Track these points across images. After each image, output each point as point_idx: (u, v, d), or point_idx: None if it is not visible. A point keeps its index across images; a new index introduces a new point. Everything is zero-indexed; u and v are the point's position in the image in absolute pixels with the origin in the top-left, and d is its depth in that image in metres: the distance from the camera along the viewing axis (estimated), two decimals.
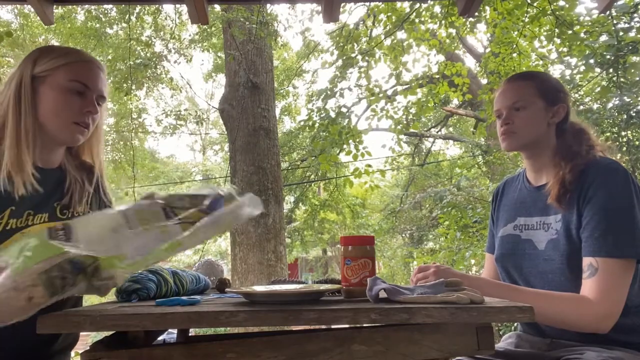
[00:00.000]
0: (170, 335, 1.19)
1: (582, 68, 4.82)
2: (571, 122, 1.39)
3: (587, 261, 1.17)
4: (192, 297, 1.03)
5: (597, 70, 4.93)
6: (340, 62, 5.48)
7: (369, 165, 5.60)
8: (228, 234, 6.62)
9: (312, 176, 10.28)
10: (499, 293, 1.16)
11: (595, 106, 5.69)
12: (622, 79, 4.82)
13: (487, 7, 4.83)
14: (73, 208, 1.25)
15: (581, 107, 5.60)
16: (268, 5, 5.65)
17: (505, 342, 1.46)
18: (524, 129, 1.35)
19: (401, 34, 5.27)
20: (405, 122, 5.72)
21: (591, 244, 1.17)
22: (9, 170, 1.15)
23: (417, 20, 5.13)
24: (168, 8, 8.35)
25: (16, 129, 1.16)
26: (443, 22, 5.23)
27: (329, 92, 5.40)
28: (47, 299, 0.81)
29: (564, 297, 1.17)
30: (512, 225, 1.42)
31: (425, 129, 11.32)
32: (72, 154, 1.35)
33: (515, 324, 2.42)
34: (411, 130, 6.74)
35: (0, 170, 1.15)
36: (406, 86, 6.22)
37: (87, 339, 6.29)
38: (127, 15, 7.50)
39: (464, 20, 5.05)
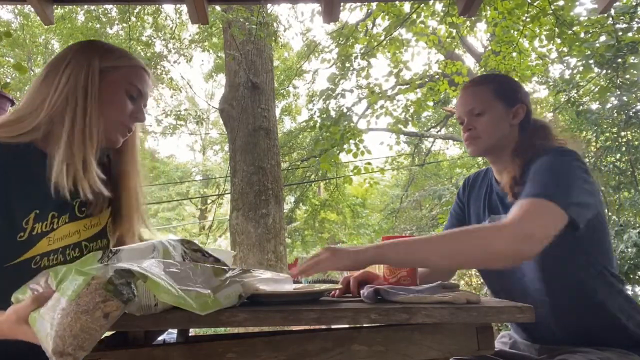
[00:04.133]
0: (170, 335, 1.18)
1: (582, 68, 4.83)
2: (534, 120, 1.38)
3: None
4: None
5: (597, 70, 4.94)
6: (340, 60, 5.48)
7: (369, 163, 5.61)
8: (228, 233, 6.62)
9: (312, 176, 10.28)
10: (410, 249, 1.06)
11: (594, 106, 5.70)
12: (621, 79, 4.82)
13: (487, 7, 4.83)
14: (91, 208, 1.18)
15: (581, 107, 5.60)
16: (268, 6, 5.64)
17: (499, 341, 1.46)
18: (487, 133, 1.34)
19: (401, 30, 5.27)
20: (403, 119, 5.72)
21: (521, 195, 1.13)
22: (69, 172, 1.07)
23: (417, 19, 5.13)
24: (168, 8, 8.37)
25: (83, 119, 1.08)
26: (443, 19, 5.23)
27: (330, 93, 5.40)
28: (123, 308, 0.76)
29: (480, 226, 1.11)
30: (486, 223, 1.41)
31: (425, 129, 11.31)
32: None
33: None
34: (411, 129, 6.74)
35: (52, 171, 1.06)
36: (406, 86, 6.22)
37: None
38: (127, 15, 7.51)
39: (464, 19, 5.05)
